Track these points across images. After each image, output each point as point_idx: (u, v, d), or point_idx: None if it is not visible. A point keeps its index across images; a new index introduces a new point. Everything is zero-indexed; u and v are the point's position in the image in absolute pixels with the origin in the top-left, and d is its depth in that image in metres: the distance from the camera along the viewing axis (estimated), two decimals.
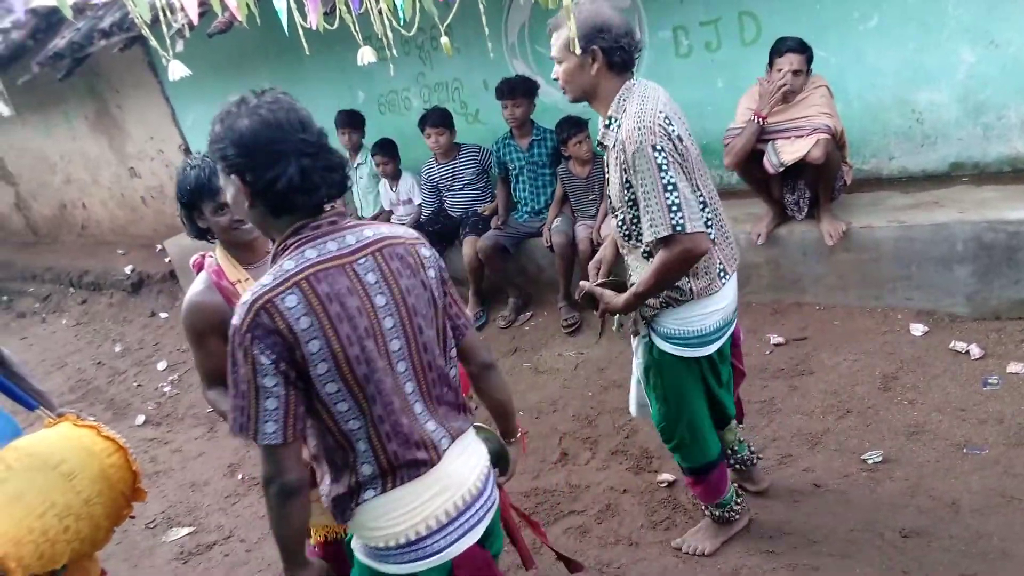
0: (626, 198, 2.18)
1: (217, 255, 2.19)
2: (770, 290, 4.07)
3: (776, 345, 3.81)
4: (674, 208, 2.05)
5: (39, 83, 6.75)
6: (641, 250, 2.25)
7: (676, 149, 2.08)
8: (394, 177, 5.30)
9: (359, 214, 5.66)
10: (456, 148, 5.02)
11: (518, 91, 4.51)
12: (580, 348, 4.34)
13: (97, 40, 5.66)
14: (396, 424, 1.57)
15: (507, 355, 4.53)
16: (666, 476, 3.21)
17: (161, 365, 5.79)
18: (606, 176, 2.33)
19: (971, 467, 2.81)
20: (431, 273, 1.66)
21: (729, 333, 2.45)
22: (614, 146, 2.17)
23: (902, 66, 3.90)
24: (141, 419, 5.08)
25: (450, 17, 3.57)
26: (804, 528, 2.74)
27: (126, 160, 8.08)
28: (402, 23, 3.56)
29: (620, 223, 2.29)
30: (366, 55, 3.61)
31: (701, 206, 2.14)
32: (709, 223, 2.16)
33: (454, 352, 1.75)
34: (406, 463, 1.60)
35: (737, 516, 2.75)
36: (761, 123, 3.59)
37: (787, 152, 3.57)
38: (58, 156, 8.69)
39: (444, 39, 3.59)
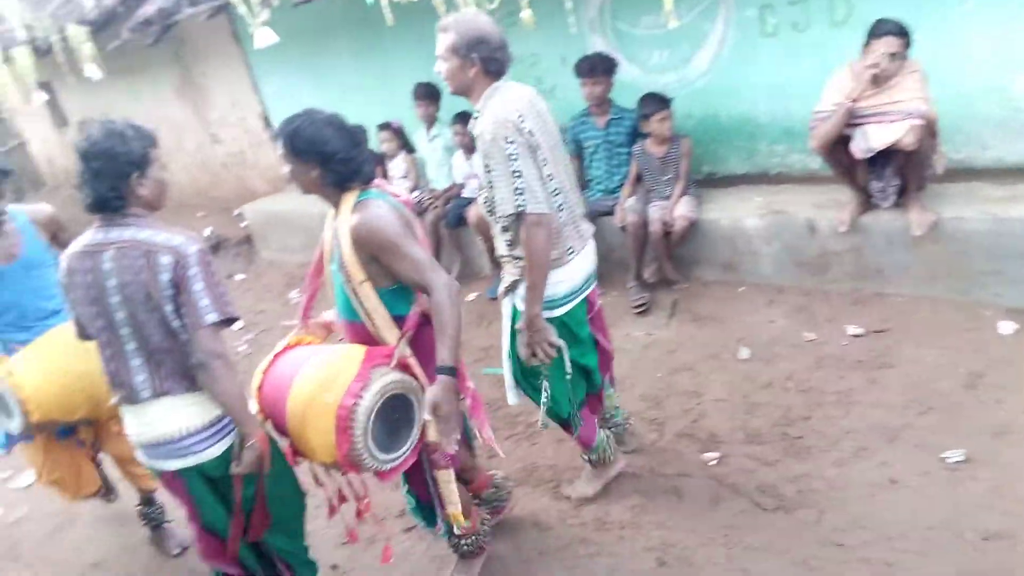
0: (487, 180, 2.56)
1: None
2: (851, 279, 3.95)
3: (854, 336, 3.70)
4: (519, 191, 2.45)
5: (128, 49, 6.96)
6: (501, 225, 2.59)
7: (527, 143, 2.46)
8: (470, 150, 5.31)
9: (431, 187, 5.69)
10: None
11: (598, 69, 4.45)
12: (649, 329, 4.29)
13: (184, 7, 5.80)
14: (107, 365, 2.28)
15: None
16: (709, 455, 3.23)
17: (237, 325, 5.94)
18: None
19: None
20: (162, 277, 2.13)
21: (577, 300, 2.78)
22: (479, 135, 2.52)
23: (1000, 51, 3.71)
24: None
25: None
26: (879, 523, 2.67)
27: (209, 126, 8.29)
28: None
29: (485, 200, 2.65)
30: None
31: (554, 192, 2.57)
32: (561, 207, 2.61)
33: (184, 337, 2.18)
34: (116, 392, 2.30)
35: (612, 459, 3.15)
36: (851, 107, 3.47)
37: (878, 137, 3.45)
38: (144, 120, 8.91)
39: (526, 12, 3.60)
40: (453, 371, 2.28)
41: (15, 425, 2.93)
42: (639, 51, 4.78)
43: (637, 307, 4.43)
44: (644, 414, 3.63)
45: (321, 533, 3.11)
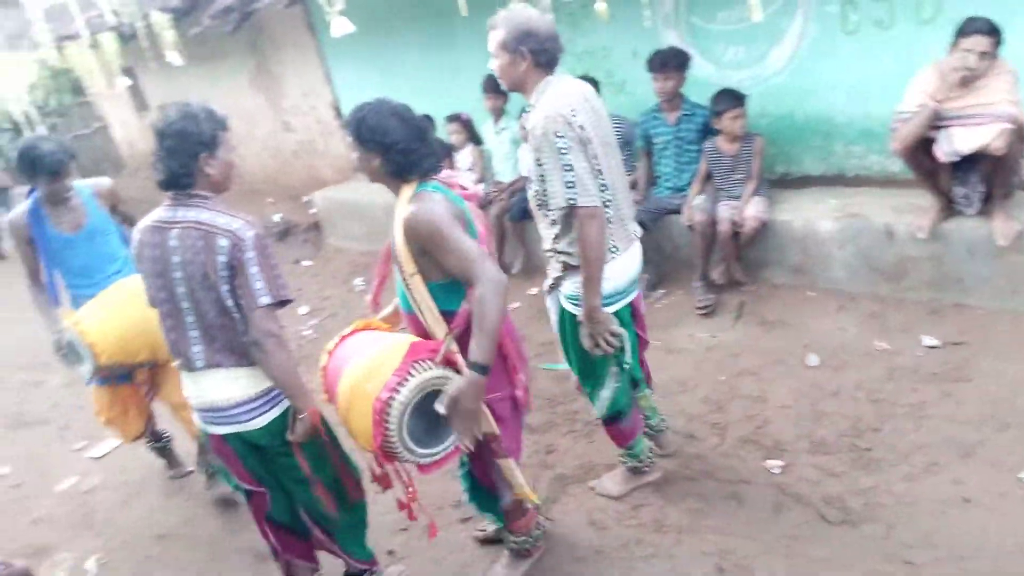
0: (538, 173, 2.59)
1: None
2: (928, 288, 3.81)
3: (930, 347, 3.57)
4: (570, 185, 2.47)
5: (208, 37, 7.16)
6: (550, 219, 2.64)
7: (579, 137, 2.48)
8: None
9: (496, 179, 5.70)
10: None
11: (670, 64, 4.38)
12: (714, 331, 4.22)
13: None
14: (167, 334, 2.44)
15: None
16: (773, 463, 3.17)
17: (303, 310, 6.07)
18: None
19: None
20: (219, 259, 2.24)
21: (623, 302, 2.79)
22: (531, 129, 2.55)
23: None
24: None
25: None
26: (949, 542, 2.58)
27: (281, 114, 8.46)
28: None
29: (534, 194, 2.67)
30: None
31: (601, 187, 2.55)
32: (608, 204, 2.59)
33: (239, 316, 2.31)
34: (175, 359, 2.47)
35: (647, 469, 3.16)
36: (936, 108, 3.34)
37: (964, 140, 3.31)
38: (220, 107, 9.14)
39: (601, 4, 3.56)
40: (484, 369, 2.24)
41: (86, 369, 3.28)
42: (713, 47, 4.69)
43: (702, 308, 4.36)
44: (705, 417, 3.57)
45: (378, 519, 3.14)
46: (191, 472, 4.06)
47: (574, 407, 3.82)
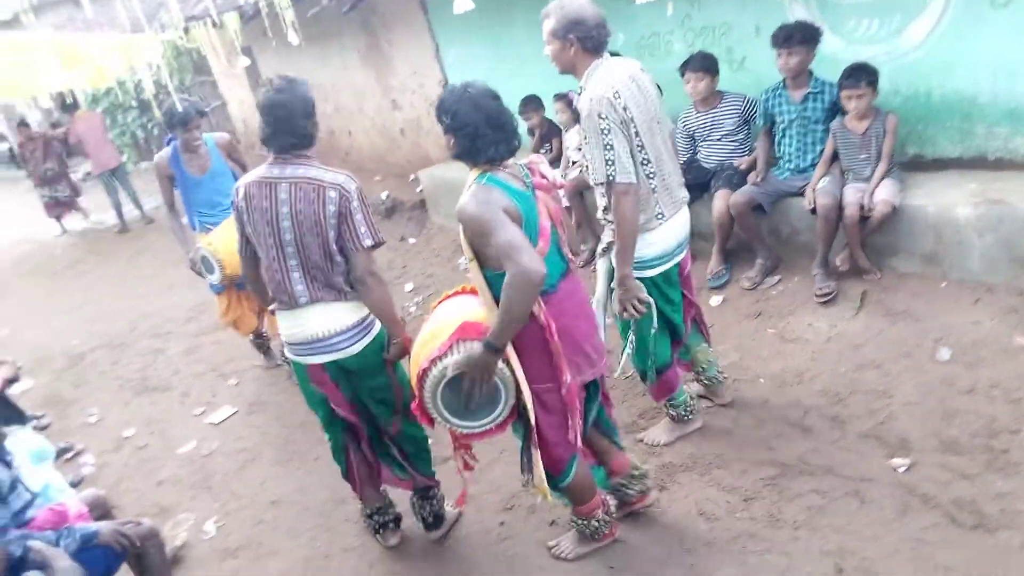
0: (586, 149, 2.82)
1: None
2: None
3: None
4: (609, 162, 2.73)
5: (323, 16, 7.30)
6: (600, 191, 2.89)
7: (621, 118, 2.72)
8: None
9: None
10: (718, 96, 4.76)
11: (795, 39, 4.15)
12: (833, 320, 4.01)
13: None
14: (271, 277, 2.78)
15: (750, 318, 4.31)
16: (898, 461, 3.01)
17: (408, 286, 6.17)
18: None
19: None
20: (330, 208, 2.60)
21: (670, 264, 3.05)
22: (580, 109, 2.80)
23: None
24: None
25: None
26: None
27: (389, 92, 8.58)
28: None
29: (584, 167, 2.93)
30: None
31: (644, 162, 2.84)
32: (651, 175, 2.87)
33: (339, 259, 2.68)
34: (277, 298, 2.81)
35: (690, 418, 3.42)
36: None
37: None
38: (331, 85, 9.41)
39: None
40: (495, 349, 2.36)
41: (215, 277, 4.43)
42: (844, 20, 4.42)
43: (821, 296, 4.15)
44: (823, 410, 3.42)
45: (484, 498, 3.16)
46: (282, 364, 4.87)
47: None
